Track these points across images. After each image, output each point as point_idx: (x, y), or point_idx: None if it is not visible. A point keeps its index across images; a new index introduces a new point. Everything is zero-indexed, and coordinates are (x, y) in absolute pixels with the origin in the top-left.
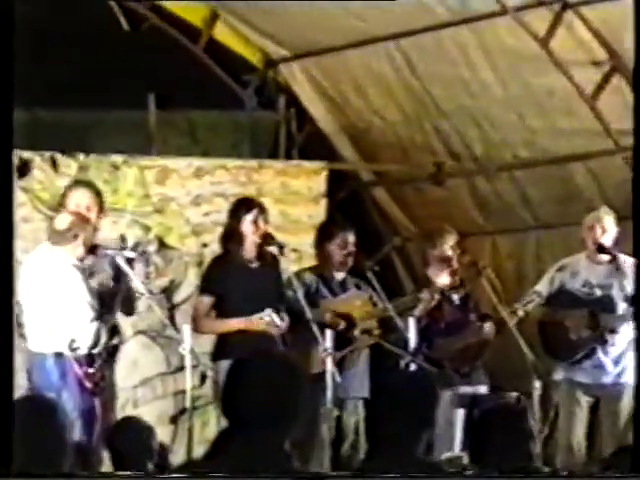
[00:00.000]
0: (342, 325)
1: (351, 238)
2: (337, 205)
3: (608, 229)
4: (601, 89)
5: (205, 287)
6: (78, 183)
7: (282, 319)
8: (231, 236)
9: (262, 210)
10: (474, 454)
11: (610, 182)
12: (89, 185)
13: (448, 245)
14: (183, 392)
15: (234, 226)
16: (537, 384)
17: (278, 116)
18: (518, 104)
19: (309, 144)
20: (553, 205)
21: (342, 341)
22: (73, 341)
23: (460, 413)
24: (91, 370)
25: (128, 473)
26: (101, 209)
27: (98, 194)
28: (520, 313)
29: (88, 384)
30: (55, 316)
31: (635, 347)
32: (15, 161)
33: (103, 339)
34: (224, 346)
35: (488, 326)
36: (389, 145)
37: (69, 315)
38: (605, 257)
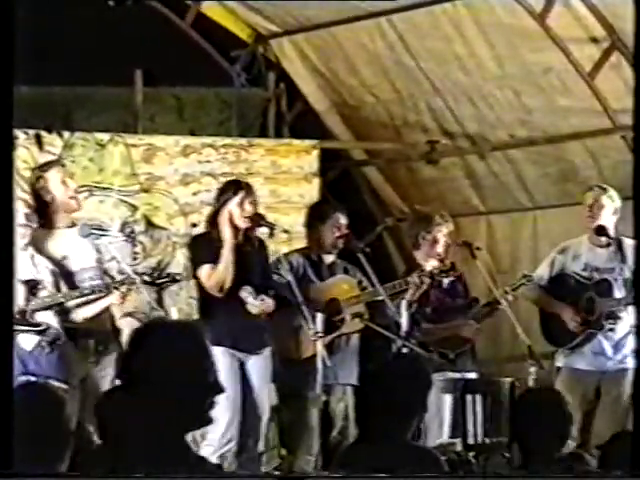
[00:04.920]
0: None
1: (343, 220)
2: (328, 185)
3: (606, 205)
4: (599, 67)
5: (198, 259)
6: (47, 165)
7: (262, 299)
8: (216, 219)
9: (249, 192)
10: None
11: (608, 162)
12: (57, 163)
13: (441, 232)
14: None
15: (219, 209)
16: (532, 369)
17: (267, 93)
18: (514, 82)
19: (299, 122)
20: (549, 185)
21: (329, 326)
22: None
23: (448, 399)
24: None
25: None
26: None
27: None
28: (509, 297)
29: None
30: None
31: (636, 337)
32: None
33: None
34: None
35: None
36: (382, 123)
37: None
38: (604, 239)
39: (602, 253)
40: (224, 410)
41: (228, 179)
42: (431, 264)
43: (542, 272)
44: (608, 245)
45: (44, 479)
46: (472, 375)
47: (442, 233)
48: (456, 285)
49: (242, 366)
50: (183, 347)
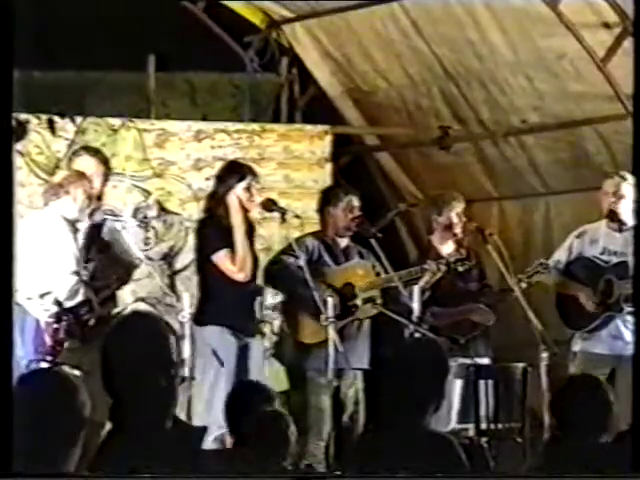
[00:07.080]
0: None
1: (356, 202)
2: (341, 170)
3: (625, 196)
4: (612, 52)
5: (211, 245)
6: (83, 149)
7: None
8: (220, 203)
9: (255, 176)
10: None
11: (620, 147)
12: (94, 152)
13: (454, 212)
14: (182, 361)
15: (225, 193)
16: (544, 355)
17: (280, 78)
18: (527, 67)
19: (312, 107)
20: (562, 171)
21: (343, 310)
22: (47, 293)
23: (458, 384)
24: (55, 326)
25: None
26: (106, 177)
27: (104, 162)
28: (523, 285)
29: (48, 341)
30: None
31: (635, 331)
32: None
33: (80, 297)
34: (206, 311)
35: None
36: (394, 108)
37: (51, 268)
38: (617, 225)
39: (620, 237)
40: (222, 390)
41: (228, 161)
42: (448, 247)
43: (560, 256)
44: (625, 229)
45: (44, 479)
46: (484, 360)
47: (455, 212)
48: (471, 270)
49: (245, 348)
50: (146, 336)
